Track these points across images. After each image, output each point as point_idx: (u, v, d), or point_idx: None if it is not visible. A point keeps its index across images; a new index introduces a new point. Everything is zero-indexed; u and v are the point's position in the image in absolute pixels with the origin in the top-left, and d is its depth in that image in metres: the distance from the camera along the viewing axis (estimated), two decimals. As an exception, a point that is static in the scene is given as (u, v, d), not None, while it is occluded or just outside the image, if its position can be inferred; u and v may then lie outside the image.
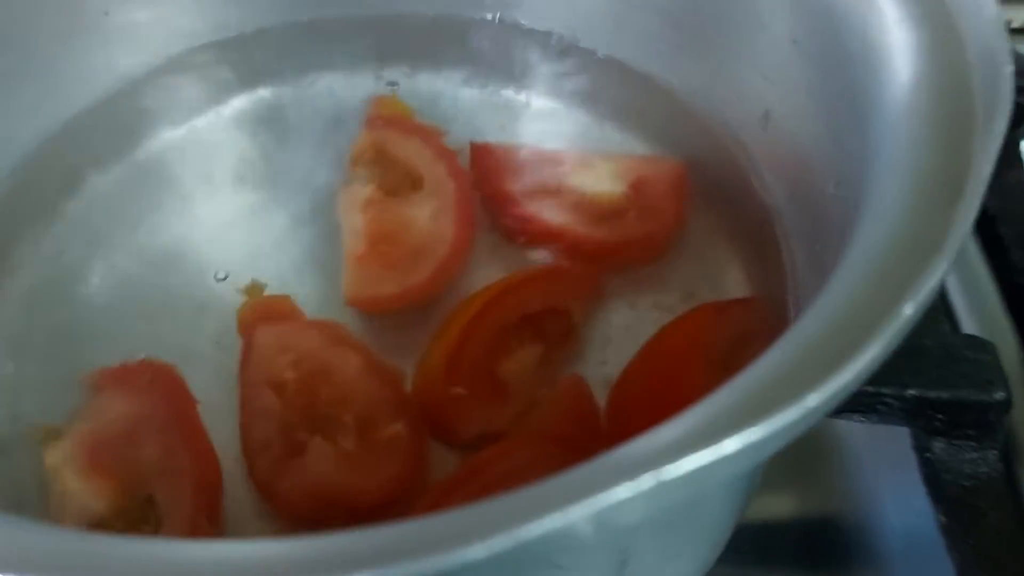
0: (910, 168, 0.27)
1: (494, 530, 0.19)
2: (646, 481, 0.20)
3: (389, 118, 0.46)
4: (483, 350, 0.37)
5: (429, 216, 0.42)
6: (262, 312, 0.40)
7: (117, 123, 0.47)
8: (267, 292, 0.41)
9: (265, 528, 0.35)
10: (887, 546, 0.42)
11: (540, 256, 0.42)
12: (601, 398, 0.37)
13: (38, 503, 0.35)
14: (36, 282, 0.42)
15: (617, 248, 0.41)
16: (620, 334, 0.40)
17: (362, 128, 0.46)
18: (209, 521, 0.35)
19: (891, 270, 0.24)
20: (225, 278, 0.42)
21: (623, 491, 0.19)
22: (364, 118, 0.46)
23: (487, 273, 0.41)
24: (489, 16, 0.49)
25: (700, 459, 0.20)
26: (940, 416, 0.39)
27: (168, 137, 0.47)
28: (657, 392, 0.35)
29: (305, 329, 0.39)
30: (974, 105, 0.27)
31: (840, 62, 0.33)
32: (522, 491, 0.20)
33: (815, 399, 0.21)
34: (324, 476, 0.35)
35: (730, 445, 0.20)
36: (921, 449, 0.40)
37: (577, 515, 0.19)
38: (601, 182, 0.43)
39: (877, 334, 0.22)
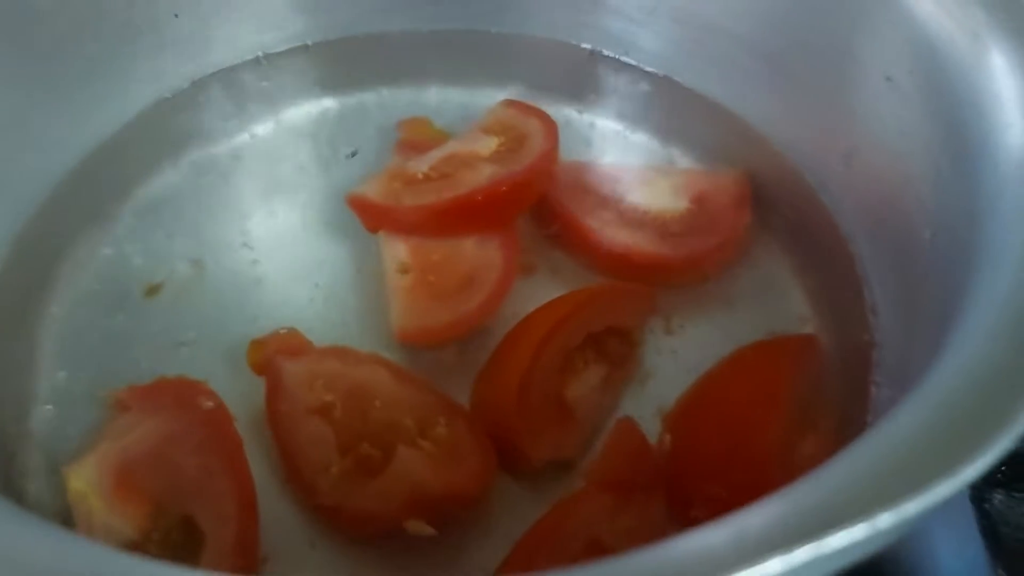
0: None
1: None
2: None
3: (419, 142, 0.44)
4: (553, 372, 0.36)
5: (474, 242, 0.40)
6: (277, 347, 0.37)
7: (173, 129, 0.45)
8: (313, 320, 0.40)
9: (322, 555, 0.34)
10: (939, 597, 0.40)
11: (601, 274, 0.40)
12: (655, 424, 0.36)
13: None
14: (92, 288, 0.40)
15: (681, 264, 0.40)
16: (678, 358, 0.38)
17: (393, 153, 0.44)
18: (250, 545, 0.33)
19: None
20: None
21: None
22: (394, 141, 0.44)
23: (546, 293, 0.39)
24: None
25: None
26: (1002, 467, 0.38)
27: (227, 144, 0.45)
28: (734, 436, 0.34)
29: (325, 356, 0.37)
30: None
31: (942, 105, 0.31)
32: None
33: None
34: (421, 479, 0.33)
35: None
36: (979, 499, 0.39)
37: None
38: (662, 198, 0.42)
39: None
